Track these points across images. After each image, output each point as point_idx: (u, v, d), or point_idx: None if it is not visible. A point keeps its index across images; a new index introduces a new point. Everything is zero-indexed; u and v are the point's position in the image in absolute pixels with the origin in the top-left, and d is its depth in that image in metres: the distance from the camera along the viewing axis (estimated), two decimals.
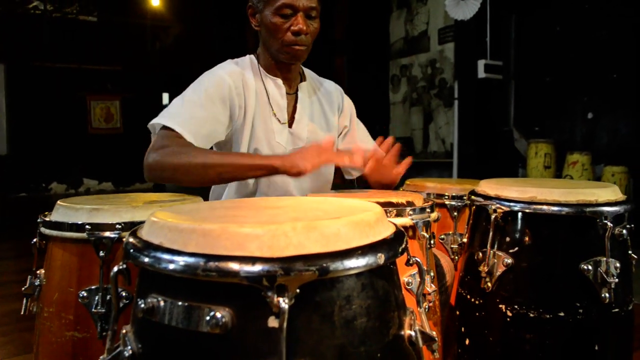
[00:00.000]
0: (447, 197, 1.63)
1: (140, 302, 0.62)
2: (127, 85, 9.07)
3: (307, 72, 1.57)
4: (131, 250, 0.64)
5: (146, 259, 0.61)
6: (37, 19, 8.27)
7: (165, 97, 9.80)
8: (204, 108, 1.29)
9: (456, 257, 1.56)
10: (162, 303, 0.61)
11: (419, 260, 0.74)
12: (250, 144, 1.41)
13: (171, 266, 0.58)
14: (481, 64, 4.79)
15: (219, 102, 1.32)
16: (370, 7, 6.82)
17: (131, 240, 0.66)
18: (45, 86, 8.38)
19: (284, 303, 0.54)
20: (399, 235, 0.69)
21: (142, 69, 9.11)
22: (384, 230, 0.68)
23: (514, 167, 4.97)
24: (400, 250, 0.66)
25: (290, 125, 1.46)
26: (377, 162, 1.31)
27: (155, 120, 1.27)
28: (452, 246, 1.60)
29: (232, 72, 1.38)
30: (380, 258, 0.61)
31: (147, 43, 9.31)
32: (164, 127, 1.25)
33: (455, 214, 1.61)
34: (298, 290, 0.56)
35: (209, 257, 0.57)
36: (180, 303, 0.59)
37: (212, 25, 8.89)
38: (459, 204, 1.61)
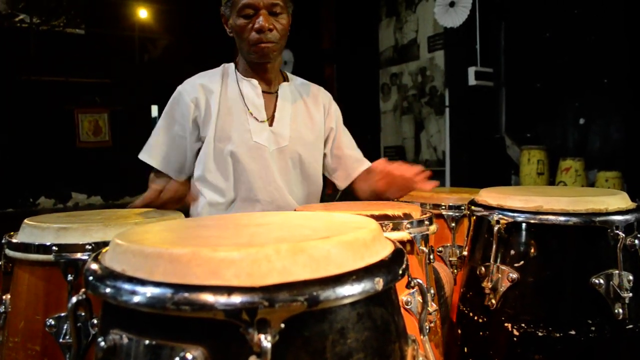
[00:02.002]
0: (444, 207, 1.56)
1: (100, 340, 0.54)
2: (116, 98, 8.93)
3: (292, 76, 1.58)
4: (90, 279, 0.55)
5: (107, 290, 0.53)
6: (23, 33, 8.14)
7: (155, 109, 9.68)
8: (166, 130, 1.44)
9: (455, 271, 1.48)
10: (125, 341, 0.52)
11: (420, 282, 0.66)
12: (216, 145, 1.42)
13: (135, 298, 0.50)
14: (471, 71, 4.76)
15: (179, 117, 1.43)
16: (358, 16, 6.79)
17: (92, 266, 0.58)
18: (32, 100, 8.23)
19: (266, 341, 0.46)
20: (399, 254, 0.61)
21: (131, 81, 8.98)
22: (382, 249, 0.60)
23: (507, 174, 4.91)
24: (400, 272, 0.58)
25: (270, 124, 1.46)
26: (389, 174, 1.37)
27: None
28: (450, 259, 1.52)
29: (190, 84, 1.46)
30: (378, 283, 0.53)
31: (135, 55, 9.21)
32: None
33: (454, 224, 1.53)
34: (283, 325, 0.47)
35: (177, 288, 0.48)
36: (146, 342, 0.51)
37: (201, 37, 8.82)
38: (457, 214, 1.53)
